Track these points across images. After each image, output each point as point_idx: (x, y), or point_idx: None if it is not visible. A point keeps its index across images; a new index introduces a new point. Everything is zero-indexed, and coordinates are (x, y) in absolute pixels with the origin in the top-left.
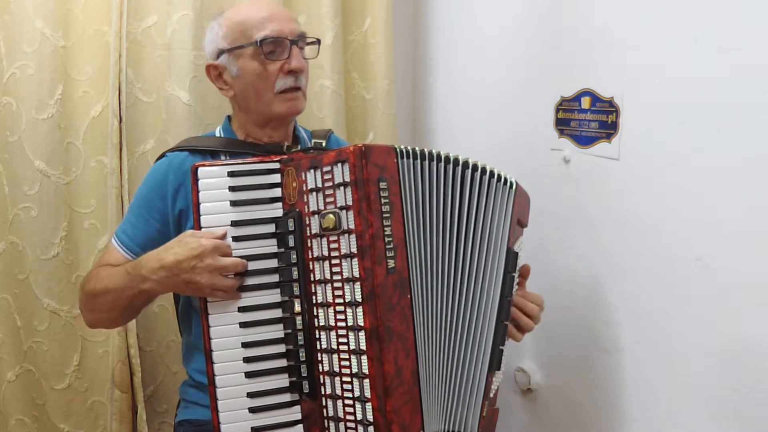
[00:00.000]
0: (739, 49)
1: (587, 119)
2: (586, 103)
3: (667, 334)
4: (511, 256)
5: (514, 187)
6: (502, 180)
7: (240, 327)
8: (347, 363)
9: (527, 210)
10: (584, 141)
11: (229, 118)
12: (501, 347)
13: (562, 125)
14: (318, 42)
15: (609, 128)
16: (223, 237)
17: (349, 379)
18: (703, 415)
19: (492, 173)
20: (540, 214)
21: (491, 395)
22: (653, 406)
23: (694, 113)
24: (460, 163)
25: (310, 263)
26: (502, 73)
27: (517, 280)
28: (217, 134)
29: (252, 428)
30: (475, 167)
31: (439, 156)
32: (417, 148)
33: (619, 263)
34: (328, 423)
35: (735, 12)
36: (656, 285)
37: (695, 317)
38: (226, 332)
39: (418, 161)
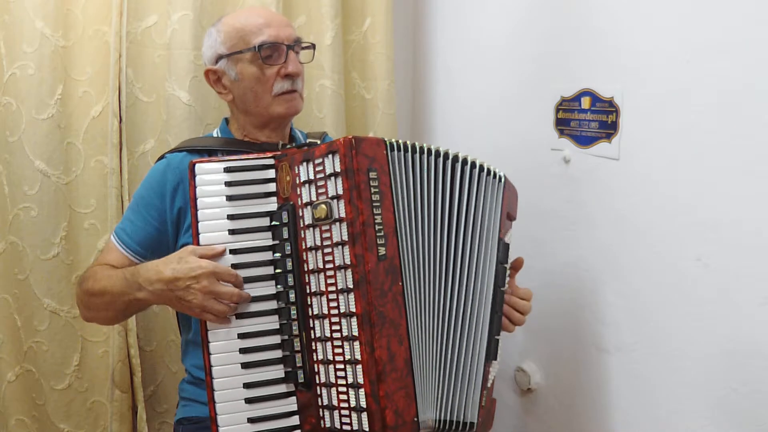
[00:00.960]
0: (739, 49)
1: (587, 119)
2: (586, 103)
3: (666, 334)
4: (503, 247)
5: (503, 180)
6: (492, 173)
7: (236, 318)
8: (340, 350)
9: (515, 203)
10: (584, 141)
11: (226, 120)
12: (497, 337)
13: (562, 125)
14: (313, 47)
15: (609, 128)
16: (222, 253)
17: (342, 367)
18: (703, 415)
19: (481, 167)
20: (540, 214)
21: (489, 385)
22: (653, 406)
23: (694, 113)
24: (450, 156)
25: (304, 254)
26: (502, 73)
27: (508, 272)
28: (215, 135)
29: (248, 419)
30: (464, 161)
31: (429, 150)
32: (407, 142)
33: (618, 263)
34: (323, 412)
35: (735, 12)
36: (656, 285)
37: (695, 317)
38: (223, 323)
39: (408, 154)
